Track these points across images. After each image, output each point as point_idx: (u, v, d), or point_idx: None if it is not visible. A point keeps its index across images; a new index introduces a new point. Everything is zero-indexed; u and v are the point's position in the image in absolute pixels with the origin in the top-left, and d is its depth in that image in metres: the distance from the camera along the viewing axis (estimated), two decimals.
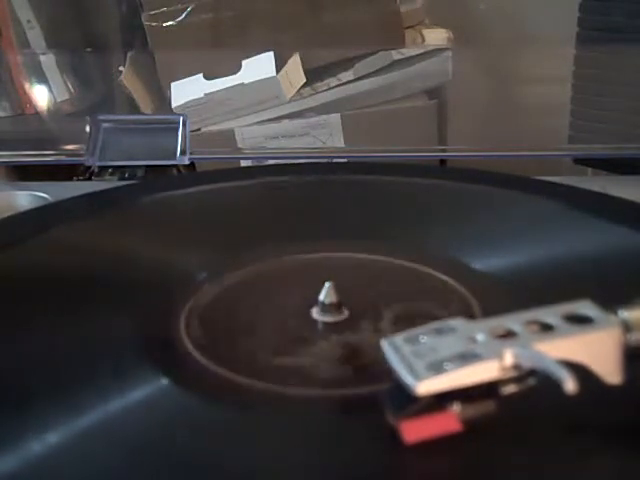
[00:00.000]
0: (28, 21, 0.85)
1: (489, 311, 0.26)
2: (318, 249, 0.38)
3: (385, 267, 0.37)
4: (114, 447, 0.25)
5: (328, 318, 0.32)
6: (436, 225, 0.40)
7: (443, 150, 0.73)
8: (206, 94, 0.79)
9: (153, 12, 0.82)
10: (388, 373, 0.24)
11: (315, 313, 0.32)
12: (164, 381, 0.28)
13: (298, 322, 0.32)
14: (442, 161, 0.65)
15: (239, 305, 0.34)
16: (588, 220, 0.39)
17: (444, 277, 0.35)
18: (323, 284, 0.32)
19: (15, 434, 0.25)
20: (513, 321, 0.24)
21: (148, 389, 0.28)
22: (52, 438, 0.25)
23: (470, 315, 0.32)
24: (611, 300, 0.25)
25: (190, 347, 0.30)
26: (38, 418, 0.26)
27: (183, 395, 0.27)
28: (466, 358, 0.23)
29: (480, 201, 0.43)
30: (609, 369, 0.24)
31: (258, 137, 0.80)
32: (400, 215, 0.42)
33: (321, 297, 0.32)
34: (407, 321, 0.25)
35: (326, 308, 0.32)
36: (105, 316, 0.33)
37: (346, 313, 0.32)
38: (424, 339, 0.24)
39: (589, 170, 0.69)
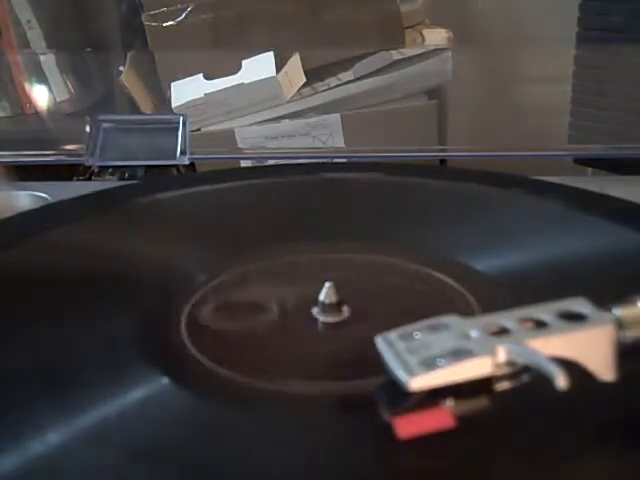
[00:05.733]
0: (28, 21, 0.85)
1: (488, 311, 0.26)
2: (318, 249, 0.38)
3: (385, 267, 0.37)
4: (114, 447, 0.25)
5: (328, 318, 0.32)
6: (436, 225, 0.40)
7: (443, 150, 0.73)
8: (206, 94, 0.79)
9: (153, 12, 0.82)
10: (383, 369, 0.24)
11: (315, 313, 0.32)
12: (164, 381, 0.28)
13: (298, 322, 0.32)
14: (442, 161, 0.65)
15: (239, 305, 0.34)
16: (587, 220, 0.39)
17: (444, 277, 0.35)
18: (323, 284, 0.32)
19: (15, 434, 0.25)
20: (507, 318, 0.25)
21: (148, 389, 0.28)
22: (52, 438, 0.25)
23: (469, 315, 0.32)
24: (610, 300, 0.25)
25: (190, 347, 0.30)
26: (38, 418, 0.26)
27: (183, 395, 0.27)
28: (459, 354, 0.23)
29: (480, 201, 0.43)
30: (603, 366, 0.24)
31: (258, 137, 0.80)
32: (400, 215, 0.42)
33: (321, 297, 0.32)
34: (406, 321, 0.25)
35: (326, 308, 0.32)
36: (105, 316, 0.33)
37: (346, 313, 0.32)
38: (418, 335, 0.24)
39: (589, 170, 0.69)
